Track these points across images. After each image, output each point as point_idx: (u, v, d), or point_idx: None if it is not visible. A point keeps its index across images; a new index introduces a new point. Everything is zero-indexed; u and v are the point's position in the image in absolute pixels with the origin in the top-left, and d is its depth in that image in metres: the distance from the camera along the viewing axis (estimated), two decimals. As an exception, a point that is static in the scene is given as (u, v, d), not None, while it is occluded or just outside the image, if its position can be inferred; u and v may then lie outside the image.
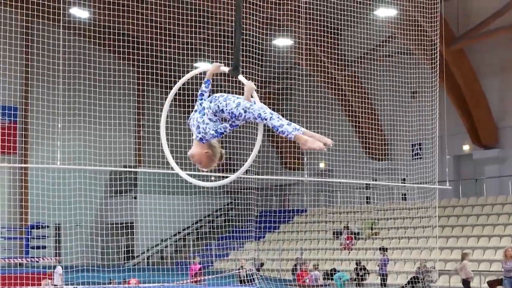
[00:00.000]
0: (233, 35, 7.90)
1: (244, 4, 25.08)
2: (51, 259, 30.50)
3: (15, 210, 35.21)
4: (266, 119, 6.56)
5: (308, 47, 31.31)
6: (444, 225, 30.98)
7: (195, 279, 26.99)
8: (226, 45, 28.93)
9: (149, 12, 30.54)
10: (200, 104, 7.04)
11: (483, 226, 30.15)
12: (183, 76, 7.62)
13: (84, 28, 30.58)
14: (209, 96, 7.09)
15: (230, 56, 27.29)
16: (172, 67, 26.95)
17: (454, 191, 32.86)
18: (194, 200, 36.97)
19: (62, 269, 26.38)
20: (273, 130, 6.59)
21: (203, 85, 7.14)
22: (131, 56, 30.25)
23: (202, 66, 7.61)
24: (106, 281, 26.41)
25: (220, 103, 6.79)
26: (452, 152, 32.93)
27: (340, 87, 33.91)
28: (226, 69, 7.38)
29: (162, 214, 32.66)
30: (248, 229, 33.29)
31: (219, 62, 7.38)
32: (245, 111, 6.66)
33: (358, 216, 35.35)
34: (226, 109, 6.73)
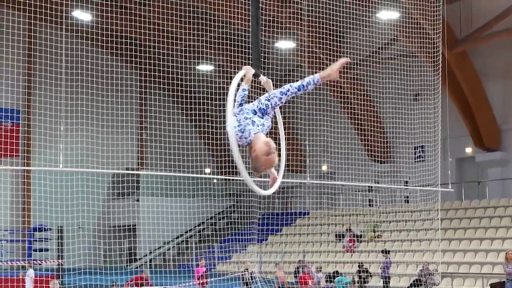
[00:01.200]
0: (251, 38, 8.07)
1: (246, 6, 25.10)
2: (53, 261, 30.50)
3: (18, 213, 35.20)
4: (289, 90, 7.04)
5: (311, 49, 31.30)
6: (446, 228, 30.95)
7: (201, 282, 26.95)
8: (229, 47, 28.96)
9: (151, 15, 30.59)
10: (245, 107, 7.16)
11: (485, 228, 30.11)
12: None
13: (87, 31, 30.59)
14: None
15: (234, 59, 27.28)
16: (175, 70, 26.97)
17: (457, 194, 32.83)
18: (197, 202, 36.96)
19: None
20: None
21: (245, 92, 7.27)
22: (133, 59, 30.29)
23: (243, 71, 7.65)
24: (108, 284, 26.40)
25: (253, 106, 7.19)
26: (455, 154, 32.91)
27: (342, 89, 33.91)
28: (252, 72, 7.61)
29: (165, 217, 32.68)
30: (251, 231, 33.28)
31: (247, 65, 7.63)
32: (268, 100, 7.09)
33: (360, 218, 35.30)
34: (258, 108, 7.12)
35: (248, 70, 7.51)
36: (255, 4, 8.03)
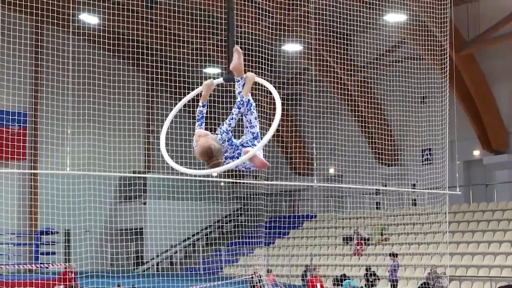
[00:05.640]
0: (227, 38, 8.07)
1: (254, 10, 25.07)
2: (60, 264, 30.52)
3: (25, 216, 35.21)
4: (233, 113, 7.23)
5: (318, 52, 31.26)
6: (454, 231, 30.87)
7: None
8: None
9: (158, 18, 30.58)
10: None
11: (493, 231, 30.03)
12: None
13: (94, 34, 30.61)
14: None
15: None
16: (182, 73, 26.95)
17: (465, 197, 32.73)
18: (204, 205, 36.94)
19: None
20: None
21: (203, 109, 7.41)
22: (140, 62, 30.31)
23: (197, 89, 7.69)
24: (115, 287, 26.38)
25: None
26: (462, 157, 32.80)
27: (349, 92, 33.85)
28: (219, 80, 7.61)
29: (172, 220, 32.65)
30: (258, 234, 33.25)
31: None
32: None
33: (368, 221, 35.24)
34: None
35: (206, 87, 7.48)
36: (230, 6, 7.94)
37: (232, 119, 7.19)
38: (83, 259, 27.44)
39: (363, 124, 35.47)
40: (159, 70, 27.19)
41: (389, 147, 33.22)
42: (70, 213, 28.96)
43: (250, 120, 7.31)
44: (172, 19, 28.61)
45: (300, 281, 31.33)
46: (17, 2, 23.05)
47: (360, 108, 34.88)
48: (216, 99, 25.16)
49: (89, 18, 33.36)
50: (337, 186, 33.90)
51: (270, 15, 25.52)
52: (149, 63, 28.14)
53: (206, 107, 7.42)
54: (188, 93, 7.89)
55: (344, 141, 28.46)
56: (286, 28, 30.55)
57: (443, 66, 25.25)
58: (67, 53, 21.92)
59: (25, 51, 26.76)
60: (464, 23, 31.75)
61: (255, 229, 34.14)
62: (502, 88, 33.26)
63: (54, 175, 31.93)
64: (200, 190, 36.75)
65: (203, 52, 34.80)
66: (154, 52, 31.05)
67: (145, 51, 30.28)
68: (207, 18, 30.85)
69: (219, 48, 33.77)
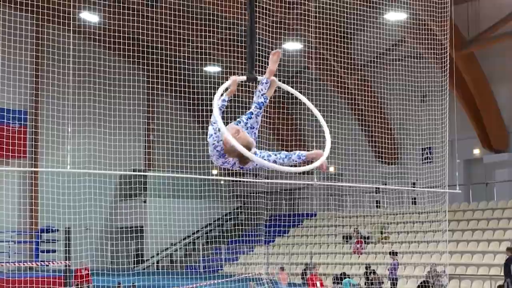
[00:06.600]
0: (246, 39, 8.16)
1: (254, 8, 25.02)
2: (61, 262, 30.53)
3: (25, 214, 35.24)
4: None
5: (318, 51, 31.26)
6: (454, 230, 30.89)
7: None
8: (236, 49, 28.94)
9: (159, 16, 30.59)
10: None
11: (493, 230, 30.04)
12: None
13: (94, 32, 30.63)
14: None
15: (240, 60, 27.22)
16: (182, 71, 26.97)
17: (465, 195, 32.74)
18: (204, 204, 36.94)
19: None
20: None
21: (224, 103, 7.43)
22: (141, 60, 30.33)
23: (225, 83, 7.76)
24: (115, 285, 26.42)
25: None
26: (462, 156, 32.82)
27: (350, 91, 33.86)
28: (242, 78, 7.71)
29: (172, 218, 32.67)
30: (258, 233, 33.27)
31: (233, 75, 7.71)
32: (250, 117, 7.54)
33: (368, 220, 35.25)
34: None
35: (233, 82, 7.53)
36: (251, 8, 8.07)
37: (250, 118, 7.28)
38: (83, 257, 27.43)
39: (363, 122, 35.48)
40: (159, 69, 27.21)
41: (389, 146, 33.22)
42: (70, 211, 28.96)
43: (258, 122, 7.46)
44: (172, 17, 28.58)
45: (300, 279, 31.35)
46: (18, 0, 23.07)
47: (360, 107, 34.88)
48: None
49: (90, 17, 33.40)
50: (337, 185, 33.89)
51: (270, 13, 25.48)
52: (150, 61, 28.15)
53: (226, 102, 7.50)
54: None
55: (344, 139, 28.47)
56: (286, 26, 30.55)
57: (443, 64, 25.23)
58: (67, 51, 21.92)
59: (25, 49, 26.83)
60: (464, 22, 31.75)
61: (255, 227, 34.16)
62: (502, 86, 33.28)
63: (54, 173, 31.97)
64: (200, 188, 36.75)
65: (203, 50, 34.82)
66: (154, 50, 31.04)
67: (145, 49, 30.29)
68: (208, 17, 30.85)
69: (219, 47, 33.82)
